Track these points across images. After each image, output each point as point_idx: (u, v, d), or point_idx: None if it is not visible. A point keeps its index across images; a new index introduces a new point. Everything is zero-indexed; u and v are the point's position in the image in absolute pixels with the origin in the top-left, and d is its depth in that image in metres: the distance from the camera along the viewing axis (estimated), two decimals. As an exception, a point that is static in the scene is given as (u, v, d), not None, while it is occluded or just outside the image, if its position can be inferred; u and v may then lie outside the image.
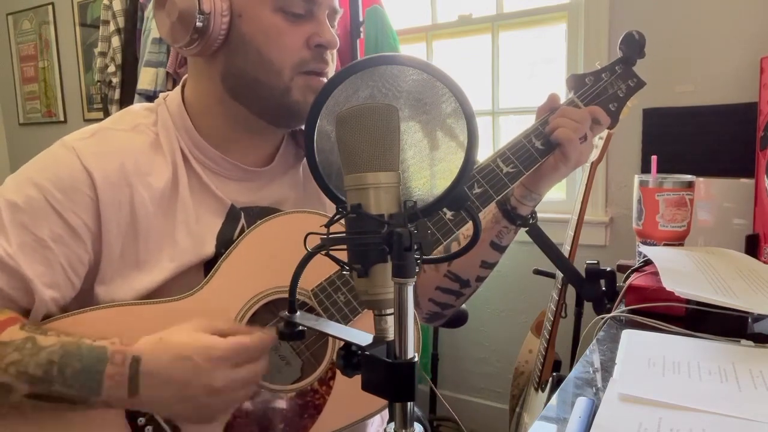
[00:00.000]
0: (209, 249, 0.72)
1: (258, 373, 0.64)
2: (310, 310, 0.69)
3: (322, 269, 0.68)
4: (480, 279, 0.89)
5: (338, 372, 0.69)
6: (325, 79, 0.72)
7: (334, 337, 0.46)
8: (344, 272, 0.68)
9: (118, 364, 0.60)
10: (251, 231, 0.71)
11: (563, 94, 0.82)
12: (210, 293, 0.69)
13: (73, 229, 0.66)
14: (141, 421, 0.66)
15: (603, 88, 0.82)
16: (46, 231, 0.66)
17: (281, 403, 0.68)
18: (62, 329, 0.65)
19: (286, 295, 0.65)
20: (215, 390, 0.61)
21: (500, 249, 0.86)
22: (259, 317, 0.70)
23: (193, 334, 0.62)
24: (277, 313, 0.70)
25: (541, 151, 0.77)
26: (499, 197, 0.75)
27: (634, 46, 0.82)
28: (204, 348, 0.61)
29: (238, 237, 0.73)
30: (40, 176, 0.67)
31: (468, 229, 0.77)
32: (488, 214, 0.85)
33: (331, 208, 0.82)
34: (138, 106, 0.78)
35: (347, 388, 0.69)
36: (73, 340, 0.62)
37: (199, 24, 0.67)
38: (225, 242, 0.72)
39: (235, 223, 0.74)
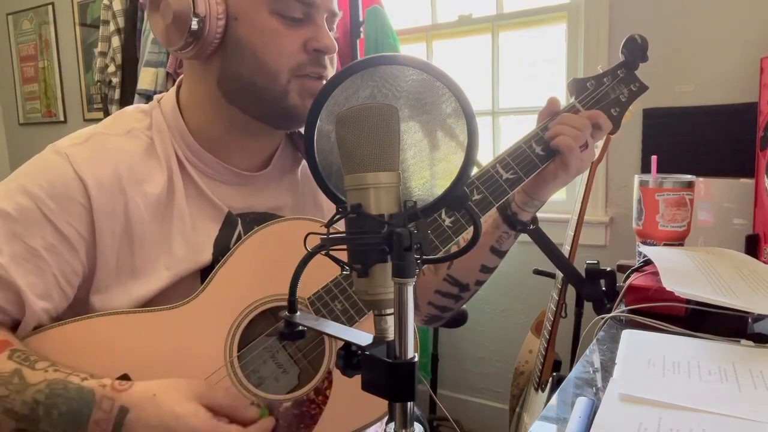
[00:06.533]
0: (206, 256, 0.71)
1: None
2: None
3: (319, 278, 0.68)
4: (479, 283, 0.89)
5: (335, 382, 0.68)
6: (322, 82, 0.71)
7: (334, 337, 0.46)
8: (343, 274, 0.68)
9: (105, 411, 0.59)
10: (248, 238, 0.70)
11: (563, 95, 0.82)
12: (206, 301, 0.68)
13: (67, 238, 0.65)
14: None
15: (605, 93, 0.81)
16: (38, 240, 0.64)
17: (277, 412, 0.67)
18: (52, 356, 0.63)
19: (284, 303, 0.64)
20: None
21: (500, 254, 0.86)
22: (256, 325, 0.69)
23: (186, 406, 0.60)
24: (275, 321, 0.69)
25: (541, 157, 0.76)
26: (498, 203, 0.75)
27: (636, 50, 0.81)
28: (190, 429, 0.58)
29: (234, 244, 0.72)
30: (32, 184, 0.65)
31: (468, 232, 0.76)
32: (488, 218, 0.84)
33: (328, 213, 0.82)
34: (132, 109, 0.76)
35: (344, 398, 0.68)
36: (60, 378, 0.60)
37: (194, 27, 0.65)
38: (222, 249, 0.71)
39: (232, 230, 0.73)
